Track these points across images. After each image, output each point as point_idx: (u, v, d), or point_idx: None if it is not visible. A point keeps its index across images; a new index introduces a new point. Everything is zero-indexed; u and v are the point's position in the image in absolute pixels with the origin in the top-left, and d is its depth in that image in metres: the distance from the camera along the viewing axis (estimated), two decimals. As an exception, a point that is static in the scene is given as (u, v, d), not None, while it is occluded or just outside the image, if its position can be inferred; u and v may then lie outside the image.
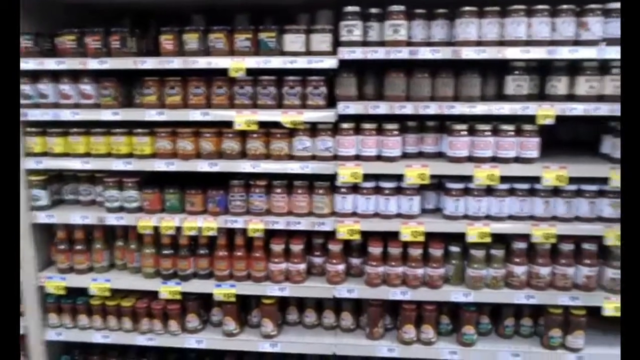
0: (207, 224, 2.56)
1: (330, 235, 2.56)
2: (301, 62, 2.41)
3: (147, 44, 2.71)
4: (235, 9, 2.78)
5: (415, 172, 2.40)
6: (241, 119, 2.45)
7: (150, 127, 2.58)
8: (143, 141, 2.58)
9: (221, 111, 2.51)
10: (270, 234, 2.61)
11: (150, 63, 2.47)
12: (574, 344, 2.49)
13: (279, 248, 2.57)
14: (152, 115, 2.53)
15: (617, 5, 2.31)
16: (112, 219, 2.64)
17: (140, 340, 2.72)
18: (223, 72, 2.45)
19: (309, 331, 2.72)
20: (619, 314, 2.43)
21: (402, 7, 2.38)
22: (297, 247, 2.57)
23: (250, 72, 2.46)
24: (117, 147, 2.60)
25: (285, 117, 2.44)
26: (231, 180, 2.58)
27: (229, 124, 2.49)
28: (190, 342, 2.68)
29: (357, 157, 2.48)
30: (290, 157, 2.53)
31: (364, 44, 2.43)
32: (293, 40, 2.44)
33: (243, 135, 2.55)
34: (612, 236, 2.38)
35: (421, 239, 2.44)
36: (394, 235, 2.48)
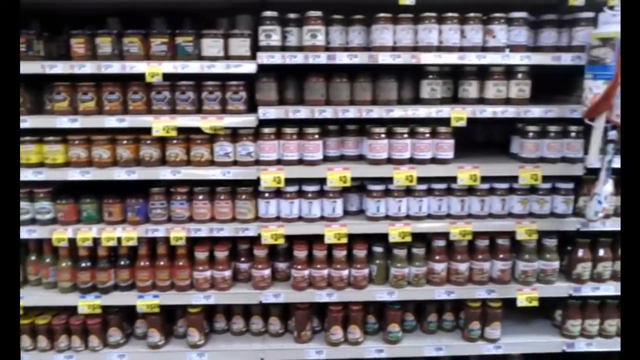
0: (127, 234, 2.51)
1: (255, 240, 2.58)
2: (220, 67, 2.42)
3: (58, 48, 2.62)
4: (153, 12, 2.75)
5: (336, 175, 2.46)
6: (159, 125, 2.43)
7: (63, 135, 2.50)
8: (55, 149, 2.49)
9: (138, 117, 2.47)
10: (194, 242, 2.59)
11: (60, 67, 2.40)
12: (492, 335, 2.64)
13: (203, 256, 2.56)
14: (64, 122, 2.45)
15: (520, 14, 2.49)
16: (24, 233, 2.52)
17: (59, 359, 2.62)
18: (139, 77, 2.42)
19: (237, 338, 2.73)
20: (531, 304, 2.61)
21: (319, 13, 2.44)
22: (221, 253, 2.57)
23: (168, 77, 2.44)
24: (26, 156, 2.50)
25: (205, 122, 2.44)
26: (151, 188, 2.54)
27: (147, 130, 2.45)
28: (112, 357, 2.61)
29: (279, 162, 2.52)
30: (212, 163, 2.53)
31: (283, 48, 2.47)
32: (211, 45, 2.45)
33: (162, 141, 2.52)
34: (523, 231, 2.56)
35: (345, 240, 2.51)
36: (318, 238, 2.54)
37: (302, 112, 2.46)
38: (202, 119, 2.45)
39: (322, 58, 2.42)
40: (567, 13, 2.53)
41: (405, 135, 2.51)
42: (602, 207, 2.40)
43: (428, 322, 2.72)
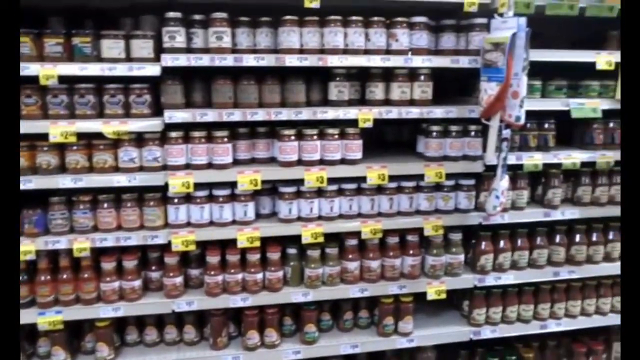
0: (25, 247, 2.41)
1: (165, 248, 2.57)
2: (122, 69, 2.39)
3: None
4: (49, 11, 2.65)
5: (247, 179, 2.51)
6: (56, 130, 2.35)
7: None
8: (-63, 159, 2.34)
9: (33, 122, 2.38)
10: (100, 252, 2.53)
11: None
12: (405, 329, 2.80)
13: (110, 266, 2.51)
14: (-54, 129, 2.30)
15: (421, 19, 2.66)
16: None
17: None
18: (33, 79, 2.33)
19: (151, 349, 2.69)
20: (440, 296, 2.79)
21: (225, 15, 2.48)
22: (130, 263, 2.53)
23: (66, 79, 2.37)
24: None
25: (107, 127, 2.40)
26: (50, 198, 2.46)
27: (44, 136, 2.37)
28: (11, 380, 2.48)
29: (188, 166, 2.52)
30: (116, 169, 2.49)
31: (188, 50, 2.48)
32: (111, 46, 2.41)
33: (61, 148, 2.44)
34: (430, 227, 2.73)
35: (258, 244, 2.56)
36: (231, 243, 2.57)
37: (210, 115, 2.48)
38: (104, 123, 2.40)
39: (228, 60, 2.46)
40: (464, 19, 2.73)
41: (315, 137, 2.60)
42: (500, 202, 2.62)
43: (344, 320, 2.83)
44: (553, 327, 3.04)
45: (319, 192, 2.65)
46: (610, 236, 3.06)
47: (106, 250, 2.55)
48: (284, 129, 2.58)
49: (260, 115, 2.52)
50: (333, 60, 2.54)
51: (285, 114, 2.53)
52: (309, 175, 2.56)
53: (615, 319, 3.14)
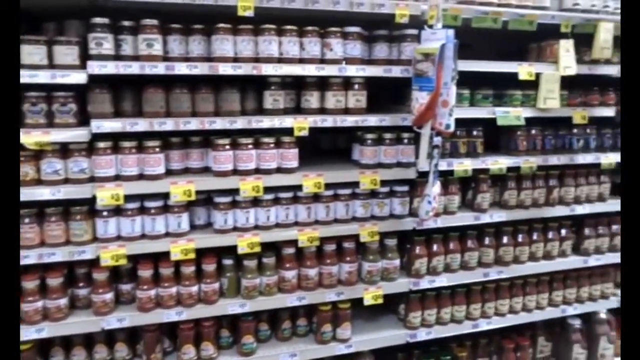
0: None
1: (94, 263, 2.49)
2: (44, 77, 2.30)
3: None
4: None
5: (181, 189, 2.49)
6: (-30, 141, 2.23)
7: None
8: None
9: (-57, 133, 2.24)
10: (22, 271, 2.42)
11: None
12: (343, 335, 2.87)
13: (32, 285, 2.40)
14: None
15: (355, 29, 2.74)
16: None
17: None
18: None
19: (79, 371, 2.60)
20: (377, 301, 2.88)
21: (155, 22, 2.45)
22: (54, 281, 2.44)
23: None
24: None
25: (29, 137, 2.30)
26: (-36, 213, 2.32)
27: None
28: None
29: (118, 177, 2.47)
30: (39, 182, 2.39)
31: (117, 58, 2.43)
32: (32, 52, 2.32)
33: (-24, 160, 2.31)
34: (366, 233, 2.82)
35: (192, 256, 2.54)
36: (164, 256, 2.53)
37: (141, 125, 2.44)
38: (24, 133, 2.30)
39: (160, 68, 2.43)
40: (396, 29, 2.85)
41: (250, 146, 2.62)
42: (432, 207, 2.75)
43: (282, 329, 2.86)
44: (484, 325, 3.21)
45: (255, 202, 2.67)
46: (534, 237, 3.29)
47: (28, 268, 2.44)
48: (219, 139, 2.58)
49: (194, 124, 2.50)
50: (268, 69, 2.57)
51: (220, 123, 2.54)
52: (244, 185, 2.58)
53: (539, 315, 3.37)
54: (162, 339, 2.66)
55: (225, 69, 2.50)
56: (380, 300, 2.89)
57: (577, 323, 3.51)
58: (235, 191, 2.60)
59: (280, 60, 2.62)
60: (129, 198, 2.45)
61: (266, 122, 2.61)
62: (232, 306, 2.65)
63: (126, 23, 2.46)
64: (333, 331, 2.86)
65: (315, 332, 2.90)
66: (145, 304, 2.53)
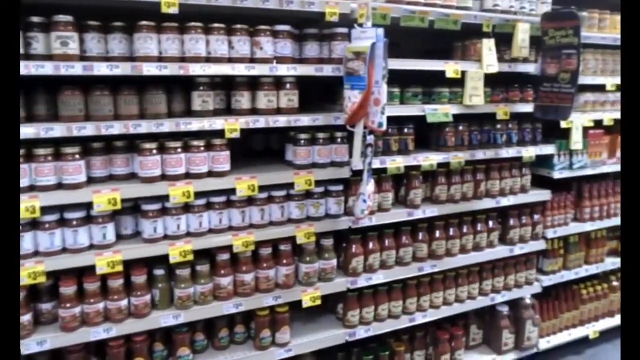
0: None
1: (8, 282, 2.30)
2: (-60, 79, 2.08)
3: None
4: None
5: (105, 198, 2.35)
6: None
7: None
8: None
9: None
10: None
11: None
12: (282, 340, 2.85)
13: (-64, 310, 2.18)
14: None
15: (285, 27, 2.71)
16: None
17: None
18: None
19: (-4, 400, 2.40)
20: (315, 303, 2.88)
21: (70, 18, 2.29)
22: (-38, 304, 2.22)
23: None
24: None
25: None
26: None
27: None
28: None
29: (32, 188, 2.30)
30: (-61, 196, 2.16)
31: (27, 57, 2.26)
32: None
33: None
34: (302, 235, 2.81)
35: (120, 268, 2.41)
36: (89, 270, 2.39)
37: (57, 130, 2.27)
38: None
39: (77, 68, 2.27)
40: (327, 28, 2.85)
41: (179, 150, 2.53)
42: (367, 205, 2.79)
43: (219, 338, 2.79)
44: (420, 319, 3.31)
45: (186, 208, 2.58)
46: (464, 230, 3.43)
47: None
48: (144, 143, 2.47)
49: (117, 128, 2.37)
50: (195, 69, 2.48)
51: (145, 127, 2.42)
52: (174, 191, 2.48)
53: (471, 305, 3.53)
54: (90, 359, 2.52)
55: (149, 69, 2.39)
56: (318, 302, 2.90)
57: (505, 310, 3.71)
58: (164, 197, 2.50)
59: (208, 59, 2.55)
60: (46, 210, 2.29)
61: (195, 124, 2.52)
62: (165, 318, 2.55)
63: (35, 19, 2.28)
64: (272, 336, 2.83)
65: (253, 338, 2.86)
66: (69, 323, 2.37)
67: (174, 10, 2.39)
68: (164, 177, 2.52)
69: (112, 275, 2.43)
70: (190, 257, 2.54)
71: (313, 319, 3.14)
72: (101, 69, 2.31)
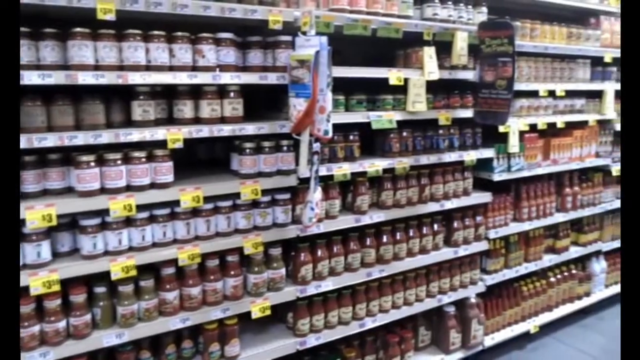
0: None
1: None
2: None
3: None
4: None
5: (39, 214, 2.24)
6: None
7: None
8: None
9: None
10: None
11: None
12: (232, 353, 2.81)
13: None
14: None
15: (227, 35, 2.68)
16: None
17: None
18: None
19: None
20: (264, 313, 2.85)
21: (-5, 24, 2.16)
22: None
23: None
24: None
25: None
26: None
27: None
28: None
29: (-43, 206, 2.14)
30: None
31: (-52, 66, 2.11)
32: None
33: None
34: (249, 245, 2.78)
35: (57, 288, 2.30)
36: (23, 291, 2.26)
37: (-16, 144, 2.14)
38: None
39: (4, 78, 2.15)
40: (271, 36, 2.84)
41: (119, 162, 2.44)
42: (315, 213, 2.80)
43: (166, 354, 2.71)
44: (370, 324, 3.35)
45: (128, 222, 2.50)
46: (411, 233, 3.50)
47: None
48: (82, 155, 2.37)
49: (51, 140, 2.26)
50: (135, 78, 2.40)
51: (82, 138, 2.32)
52: (114, 204, 2.39)
53: (419, 307, 3.60)
54: (25, 385, 2.38)
55: (85, 78, 2.29)
56: (268, 312, 2.87)
57: (451, 310, 3.81)
58: (104, 212, 2.41)
59: (149, 67, 2.48)
60: (-27, 229, 2.15)
61: (136, 135, 2.44)
62: (107, 337, 2.45)
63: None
64: (221, 349, 2.78)
65: (202, 353, 2.79)
66: (2, 348, 2.24)
67: (110, 17, 2.31)
68: (103, 190, 2.42)
69: (49, 295, 2.31)
70: (134, 272, 2.46)
71: (263, 330, 3.11)
72: (32, 77, 2.19)
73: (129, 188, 2.48)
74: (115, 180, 2.42)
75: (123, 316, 2.49)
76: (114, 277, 2.42)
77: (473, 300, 3.93)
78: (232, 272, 2.78)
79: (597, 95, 4.62)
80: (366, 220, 3.26)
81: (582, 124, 4.52)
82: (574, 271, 4.75)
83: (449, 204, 3.65)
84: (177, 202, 2.58)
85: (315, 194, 2.79)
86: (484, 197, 3.85)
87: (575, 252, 4.71)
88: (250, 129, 2.74)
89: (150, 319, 2.57)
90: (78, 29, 2.33)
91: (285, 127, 2.83)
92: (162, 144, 2.51)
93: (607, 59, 4.55)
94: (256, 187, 2.77)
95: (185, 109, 2.64)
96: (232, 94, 2.73)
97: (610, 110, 4.64)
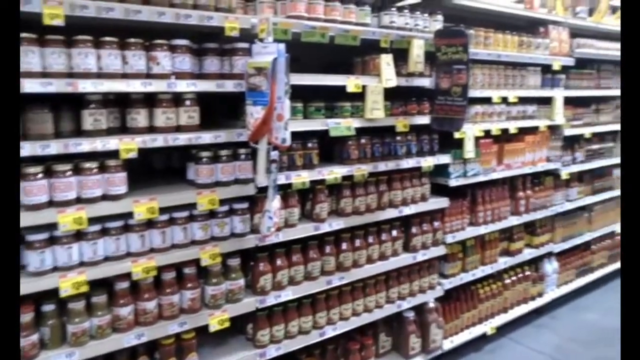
0: None
1: None
2: None
3: None
4: None
5: (-19, 230, 2.13)
6: None
7: None
8: None
9: None
10: None
11: None
12: (189, 367, 2.75)
13: None
14: None
15: (183, 42, 2.63)
16: None
17: None
18: None
19: None
20: (223, 326, 2.81)
21: None
22: None
23: None
24: None
25: None
26: None
27: None
28: None
29: None
30: None
31: None
32: None
33: None
34: (207, 256, 2.74)
35: (2, 306, 2.19)
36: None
37: None
38: None
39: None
40: (228, 42, 2.81)
41: (69, 173, 2.36)
42: (274, 222, 2.78)
43: (121, 372, 2.64)
44: (330, 332, 3.36)
45: (78, 235, 2.41)
46: (370, 240, 3.53)
47: None
48: (28, 166, 2.27)
49: (-6, 151, 2.16)
50: (85, 86, 2.33)
51: (29, 149, 2.22)
52: (63, 218, 2.31)
53: (379, 314, 3.64)
54: (-33, 411, 2.26)
55: (32, 86, 2.20)
56: (227, 324, 2.83)
57: (411, 315, 3.87)
58: (53, 226, 2.31)
59: (100, 75, 2.41)
60: None
61: (86, 145, 2.36)
62: (57, 358, 2.35)
63: None
64: (179, 364, 2.73)
65: (158, 369, 2.73)
66: (-59, 373, 2.12)
67: (58, 22, 2.23)
68: (51, 203, 2.33)
69: (-7, 315, 2.20)
70: (85, 288, 2.37)
71: (222, 342, 3.07)
72: (-26, 86, 2.09)
73: (79, 200, 2.39)
74: (65, 193, 2.34)
75: (74, 334, 2.40)
76: (63, 294, 2.33)
77: (432, 304, 4.00)
78: (189, 285, 2.72)
79: (547, 101, 4.80)
80: (325, 228, 3.27)
81: (534, 130, 4.69)
82: (527, 272, 4.91)
83: (408, 210, 3.71)
84: (131, 214, 2.51)
85: (274, 203, 2.77)
86: (441, 202, 3.92)
87: (528, 254, 4.87)
88: (206, 137, 2.70)
89: (104, 336, 2.49)
90: (24, 35, 2.23)
91: (243, 135, 2.80)
92: (115, 154, 2.44)
93: (556, 67, 4.74)
94: (213, 197, 2.73)
95: (139, 117, 2.58)
96: (188, 102, 2.68)
97: (560, 116, 4.83)
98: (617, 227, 5.98)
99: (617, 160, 5.79)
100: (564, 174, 5.02)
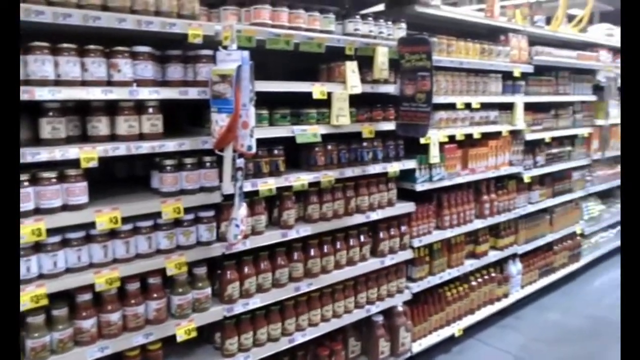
0: None
1: None
2: None
3: None
4: None
5: None
6: None
7: None
8: None
9: None
10: None
11: None
12: (157, 379, 2.69)
13: None
14: None
15: (145, 49, 2.59)
16: None
17: None
18: None
19: None
20: (190, 336, 2.76)
21: None
22: None
23: None
24: None
25: None
26: None
27: None
28: None
29: None
30: None
31: None
32: None
33: None
34: (172, 265, 2.69)
35: (-45, 323, 2.10)
36: None
37: None
38: None
39: None
40: (191, 49, 2.77)
41: (26, 183, 2.28)
42: (241, 230, 2.75)
43: (83, 386, 2.55)
44: (300, 339, 3.33)
45: (37, 247, 2.33)
46: (338, 246, 3.53)
47: None
48: (-18, 177, 2.19)
49: (-55, 162, 2.07)
50: (42, 93, 2.26)
51: (-18, 159, 2.15)
52: (22, 229, 2.23)
53: (348, 319, 3.64)
54: None
55: (-15, 94, 2.13)
56: (194, 334, 2.78)
57: (380, 319, 3.88)
58: (9, 237, 2.23)
59: (58, 82, 2.34)
60: None
61: (44, 154, 2.29)
62: (15, 374, 2.27)
63: None
64: (145, 377, 2.66)
65: (123, 382, 2.66)
66: None
67: (14, 28, 2.16)
68: (8, 214, 2.25)
69: (-54, 332, 2.11)
70: (45, 301, 2.29)
71: (190, 352, 3.01)
72: None
73: (37, 211, 2.32)
74: (23, 203, 2.26)
75: (33, 350, 2.31)
76: (22, 308, 2.24)
77: (400, 308, 4.02)
78: (155, 295, 2.67)
79: (509, 107, 4.91)
80: (293, 234, 3.25)
81: (496, 135, 4.79)
82: (493, 274, 4.99)
83: (375, 215, 3.73)
84: (93, 224, 2.44)
85: (240, 211, 2.74)
86: (408, 207, 3.96)
87: (493, 256, 4.96)
88: (170, 145, 2.66)
89: (65, 350, 2.40)
90: (-23, 41, 2.15)
91: (208, 143, 2.77)
92: (76, 163, 2.38)
93: (516, 74, 4.85)
94: (178, 206, 2.68)
95: (100, 125, 2.52)
96: (150, 110, 2.63)
97: (520, 121, 4.94)
98: (576, 228, 6.15)
99: (575, 163, 5.96)
100: (526, 177, 5.14)
